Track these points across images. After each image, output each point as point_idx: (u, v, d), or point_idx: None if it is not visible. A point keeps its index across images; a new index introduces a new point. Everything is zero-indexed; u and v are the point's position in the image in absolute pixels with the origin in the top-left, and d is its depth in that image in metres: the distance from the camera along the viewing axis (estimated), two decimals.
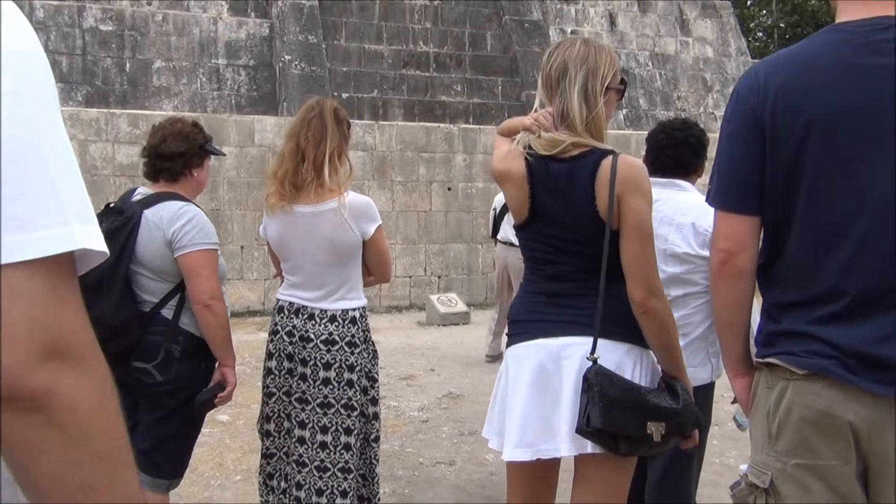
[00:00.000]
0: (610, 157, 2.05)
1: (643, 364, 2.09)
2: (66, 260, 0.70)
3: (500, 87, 12.60)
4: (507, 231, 7.10)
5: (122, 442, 0.75)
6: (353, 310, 2.96)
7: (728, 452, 4.69)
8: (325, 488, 2.86)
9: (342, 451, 2.88)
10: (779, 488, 1.66)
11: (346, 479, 2.87)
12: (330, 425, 2.87)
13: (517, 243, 7.52)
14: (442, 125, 10.95)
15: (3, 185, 0.66)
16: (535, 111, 2.20)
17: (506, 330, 7.07)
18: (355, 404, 2.90)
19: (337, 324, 2.91)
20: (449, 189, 10.70)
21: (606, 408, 1.93)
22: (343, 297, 2.94)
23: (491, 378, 6.57)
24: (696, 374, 2.67)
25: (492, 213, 7.58)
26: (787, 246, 1.67)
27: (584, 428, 1.97)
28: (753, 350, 1.83)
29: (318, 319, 2.90)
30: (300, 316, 2.92)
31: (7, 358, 0.66)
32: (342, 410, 2.88)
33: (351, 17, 12.11)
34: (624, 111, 13.36)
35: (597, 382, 1.96)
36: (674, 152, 2.80)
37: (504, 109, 12.42)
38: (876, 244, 1.54)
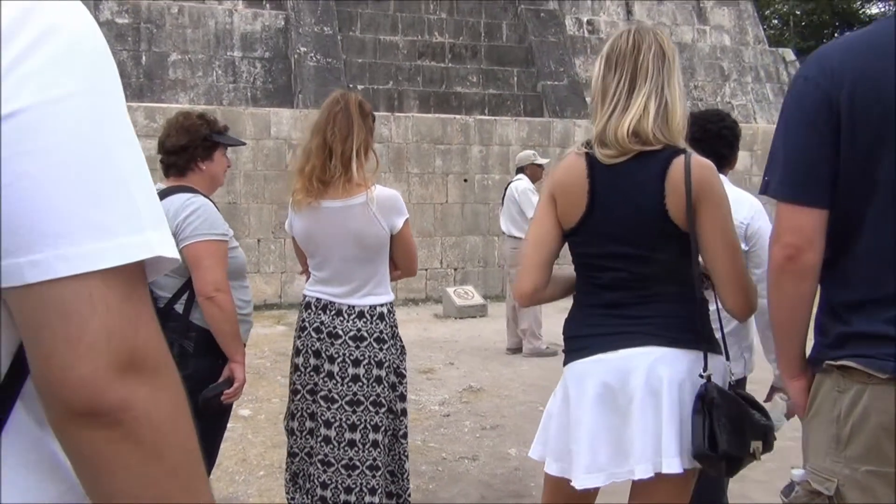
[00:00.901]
0: (682, 157, 1.97)
1: (717, 372, 2.01)
2: (139, 267, 0.68)
3: (515, 78, 12.51)
4: (502, 221, 7.51)
5: (197, 454, 0.72)
6: (381, 305, 2.92)
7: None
8: (353, 486, 2.82)
9: (370, 449, 2.84)
10: (846, 496, 1.59)
11: (374, 476, 2.84)
12: (359, 422, 2.83)
13: (507, 232, 7.59)
14: (458, 116, 10.89)
15: (80, 190, 0.64)
16: (600, 105, 2.05)
17: (521, 326, 7.08)
18: (383, 401, 2.87)
19: (365, 320, 2.87)
20: (465, 181, 10.65)
21: (731, 430, 1.87)
22: (371, 293, 2.90)
23: (511, 370, 6.60)
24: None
25: (500, 207, 7.75)
26: (859, 240, 1.60)
27: (708, 452, 1.88)
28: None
29: (346, 315, 2.86)
30: (328, 312, 2.88)
31: (87, 371, 0.64)
32: (371, 408, 2.84)
33: (366, 9, 12.05)
34: None
35: (720, 403, 1.89)
36: (708, 145, 2.72)
37: (520, 100, 12.34)
38: None
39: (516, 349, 7.36)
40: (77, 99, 0.65)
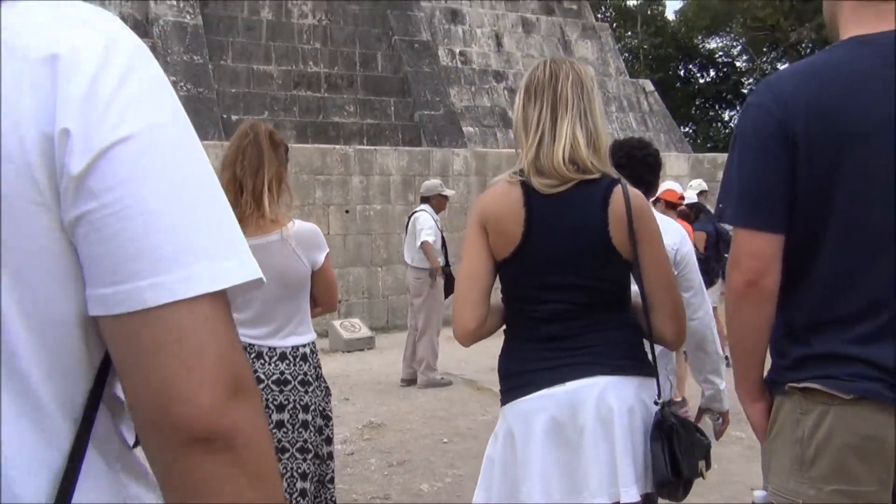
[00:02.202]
0: (619, 186, 1.98)
1: (653, 394, 2.02)
2: (227, 290, 0.68)
3: (392, 108, 12.53)
4: (405, 252, 7.38)
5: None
6: (304, 346, 2.77)
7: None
8: None
9: (298, 499, 2.68)
10: None
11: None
12: (285, 472, 2.66)
13: (410, 262, 7.52)
14: (337, 147, 10.76)
15: (188, 215, 0.65)
16: (524, 137, 2.02)
17: (418, 356, 6.99)
18: (310, 446, 2.71)
19: (288, 362, 2.71)
20: (347, 212, 10.51)
21: (691, 455, 1.86)
22: (293, 332, 2.76)
23: (408, 403, 6.49)
24: None
25: (403, 234, 7.62)
26: (817, 263, 1.63)
27: (672, 479, 1.87)
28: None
29: (266, 358, 2.70)
30: (247, 355, 2.70)
31: (208, 399, 0.64)
32: (297, 455, 2.68)
33: (237, 37, 11.75)
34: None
35: (679, 430, 1.89)
36: (633, 172, 2.77)
37: (398, 130, 12.36)
38: None
39: (411, 380, 7.26)
40: (170, 128, 0.67)
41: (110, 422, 0.74)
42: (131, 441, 0.77)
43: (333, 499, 2.87)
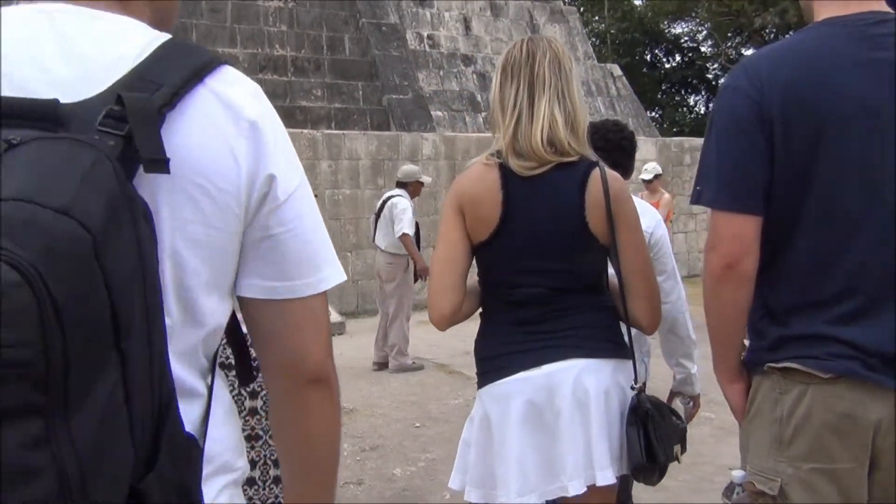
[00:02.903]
0: (597, 169, 1.96)
1: (630, 377, 2.01)
2: None
3: (360, 92, 12.42)
4: (378, 236, 7.25)
5: None
6: None
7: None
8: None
9: (271, 486, 2.64)
10: (790, 494, 1.61)
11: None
12: (258, 459, 2.62)
13: (384, 247, 7.43)
14: (305, 131, 10.65)
15: (319, 234, 1.01)
16: (501, 117, 2.00)
17: (389, 342, 6.96)
18: (260, 432, 2.67)
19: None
20: (315, 196, 10.34)
21: (667, 440, 1.86)
22: None
23: (380, 388, 6.47)
24: None
25: (372, 217, 7.52)
26: (794, 246, 1.63)
27: (647, 464, 1.87)
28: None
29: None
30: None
31: (322, 355, 0.99)
32: (270, 442, 2.64)
33: (201, 19, 11.54)
34: (483, 114, 13.54)
35: (654, 415, 1.89)
36: (608, 155, 2.75)
37: (366, 114, 12.26)
38: (891, 240, 1.53)
39: (382, 364, 7.24)
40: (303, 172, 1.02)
41: (221, 348, 1.07)
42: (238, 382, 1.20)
43: None
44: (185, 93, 0.87)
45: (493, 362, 2.01)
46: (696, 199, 1.73)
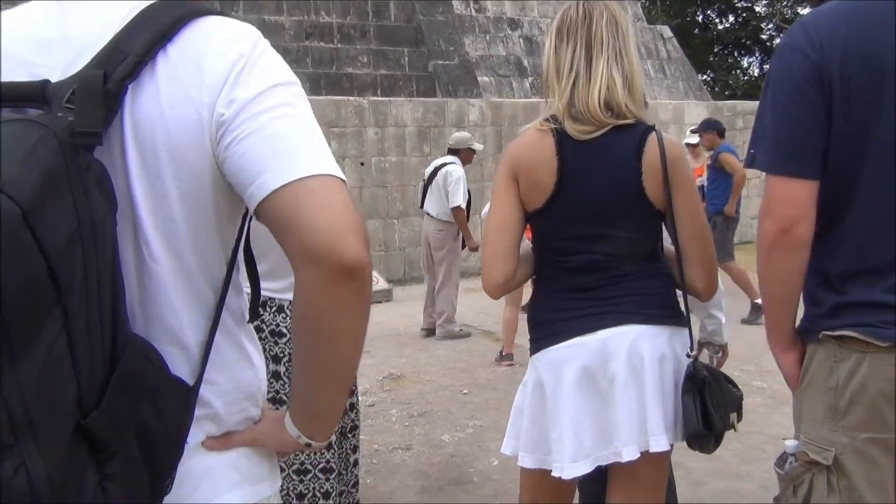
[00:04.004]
0: (654, 133, 1.93)
1: (685, 345, 1.98)
2: (342, 183, 1.01)
3: (406, 58, 12.35)
4: (428, 203, 7.18)
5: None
6: None
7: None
8: (306, 492, 2.66)
9: (323, 451, 2.68)
10: (844, 464, 1.58)
11: (328, 479, 2.68)
12: None
13: (434, 215, 7.42)
14: (351, 98, 10.64)
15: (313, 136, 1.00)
16: (556, 79, 1.97)
17: (437, 309, 6.99)
18: None
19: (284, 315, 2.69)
20: (362, 164, 10.44)
21: (723, 407, 1.86)
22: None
23: (427, 355, 6.51)
24: None
25: (421, 183, 7.50)
26: (852, 210, 1.58)
27: (703, 432, 1.87)
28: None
29: (287, 312, 2.67)
30: (268, 309, 2.68)
31: (354, 242, 0.92)
32: None
33: None
34: (530, 79, 13.37)
35: (711, 383, 1.89)
36: None
37: (412, 80, 12.20)
38: None
39: (430, 330, 7.28)
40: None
41: (235, 295, 1.08)
42: (247, 318, 1.12)
43: (356, 446, 2.88)
44: (149, 59, 0.94)
45: (548, 328, 2.00)
46: (750, 162, 1.69)
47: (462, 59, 12.54)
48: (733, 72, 30.66)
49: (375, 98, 10.98)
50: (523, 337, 6.12)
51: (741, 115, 13.77)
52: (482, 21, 13.47)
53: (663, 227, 2.04)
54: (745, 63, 31.77)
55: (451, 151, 7.29)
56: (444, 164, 7.14)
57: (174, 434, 0.96)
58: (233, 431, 1.08)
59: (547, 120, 1.97)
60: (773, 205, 1.61)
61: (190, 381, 1.00)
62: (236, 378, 1.07)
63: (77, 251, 0.83)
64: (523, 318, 6.25)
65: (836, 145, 1.57)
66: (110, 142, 0.94)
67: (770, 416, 4.60)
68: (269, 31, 11.37)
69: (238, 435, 1.08)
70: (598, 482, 2.60)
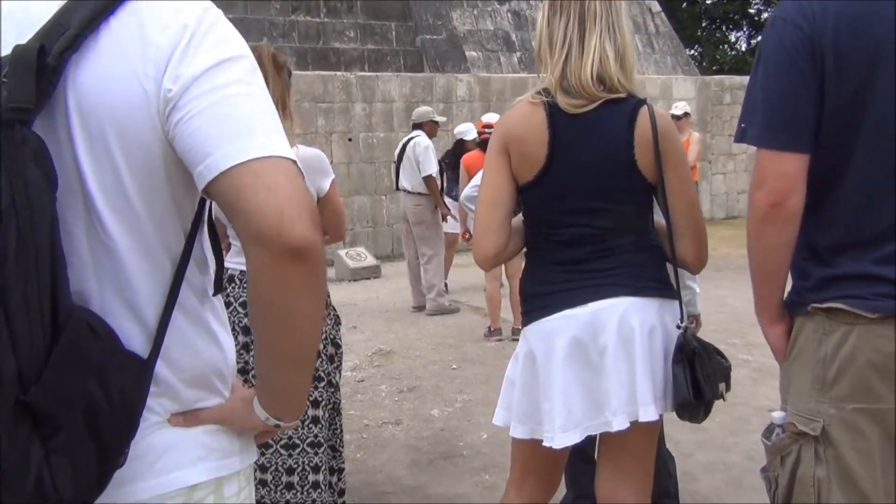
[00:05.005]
0: (646, 107, 1.93)
1: (675, 317, 1.99)
2: (295, 166, 1.00)
3: (393, 33, 12.24)
4: (402, 178, 7.25)
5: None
6: None
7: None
8: (295, 466, 2.67)
9: (310, 426, 2.69)
10: (832, 435, 1.60)
11: (316, 453, 2.69)
12: None
13: (410, 189, 7.48)
14: (338, 73, 10.57)
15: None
16: (547, 51, 1.96)
17: (426, 284, 7.01)
18: (322, 374, 2.71)
19: None
20: (349, 140, 10.38)
21: (712, 378, 1.86)
22: None
23: (416, 330, 6.52)
24: None
25: (393, 164, 7.57)
26: (843, 183, 1.58)
27: (693, 401, 1.88)
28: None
29: None
30: (237, 282, 2.66)
31: (302, 223, 0.92)
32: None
33: None
34: (518, 54, 13.29)
35: (701, 353, 1.89)
36: None
37: (399, 55, 12.10)
38: None
39: (422, 307, 7.29)
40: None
41: (197, 270, 1.07)
42: (212, 293, 1.10)
43: (341, 425, 2.89)
44: (90, 31, 0.93)
45: (539, 301, 2.01)
46: (741, 136, 1.68)
47: (450, 34, 12.45)
48: (721, 46, 30.59)
49: (363, 73, 10.90)
50: (507, 311, 6.19)
51: (729, 89, 13.76)
52: None
53: (654, 201, 2.04)
54: (732, 38, 31.70)
55: (416, 126, 7.41)
56: (411, 139, 7.25)
57: (125, 409, 0.95)
58: (200, 409, 1.07)
59: (539, 93, 1.96)
60: (765, 178, 1.61)
61: (145, 355, 0.99)
62: (197, 354, 1.06)
63: (11, 226, 0.84)
64: (506, 294, 6.27)
65: (827, 118, 1.56)
66: (54, 116, 0.93)
67: (756, 389, 4.64)
68: (256, 5, 11.25)
69: (205, 412, 1.08)
70: (587, 462, 2.63)
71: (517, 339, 6.49)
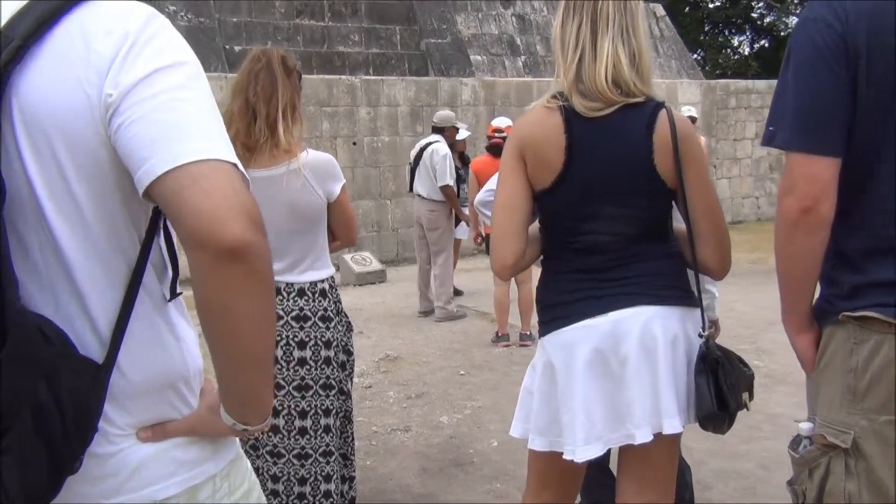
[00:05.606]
0: (664, 111, 1.89)
1: (697, 325, 1.95)
2: (236, 170, 0.99)
3: (398, 36, 12.22)
4: (417, 184, 7.14)
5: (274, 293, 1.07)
6: (322, 281, 2.71)
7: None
8: (307, 476, 2.63)
9: (322, 435, 2.65)
10: (863, 447, 1.56)
11: (328, 462, 2.66)
12: (309, 409, 2.63)
13: (426, 195, 7.43)
14: (343, 77, 10.54)
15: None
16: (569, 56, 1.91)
17: (436, 291, 6.99)
18: (333, 382, 2.68)
19: (307, 298, 2.65)
20: (354, 144, 10.35)
21: (736, 387, 1.82)
22: (310, 268, 2.69)
23: (422, 336, 6.48)
24: None
25: (408, 165, 7.46)
26: (873, 187, 1.54)
27: (717, 412, 1.84)
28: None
29: (285, 294, 2.63)
30: (285, 294, 2.63)
31: (236, 223, 0.92)
32: (321, 391, 2.64)
33: None
34: (522, 58, 13.26)
35: (724, 362, 1.85)
36: None
37: (404, 59, 12.08)
38: None
39: (428, 312, 7.25)
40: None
41: (155, 276, 1.07)
42: (168, 298, 1.09)
43: (353, 434, 2.86)
44: (32, 42, 0.95)
45: (557, 310, 1.96)
46: (769, 140, 1.64)
47: (454, 38, 12.43)
48: (724, 51, 30.56)
49: (367, 77, 10.88)
50: (515, 317, 6.14)
51: (734, 94, 13.72)
52: None
53: (673, 206, 2.01)
54: (735, 42, 31.66)
55: (436, 130, 7.28)
56: (430, 144, 7.12)
57: (76, 413, 0.95)
58: (166, 422, 1.07)
59: (554, 97, 1.93)
60: (795, 183, 1.57)
61: (100, 360, 0.99)
62: (155, 361, 1.06)
63: None
64: (514, 299, 6.21)
65: (859, 120, 1.53)
66: (0, 126, 0.95)
67: (768, 396, 4.59)
68: (260, 9, 11.23)
69: (172, 425, 1.08)
70: (602, 472, 2.58)
71: (525, 345, 6.48)
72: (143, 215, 1.05)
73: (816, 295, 1.72)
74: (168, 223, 1.09)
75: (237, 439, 1.20)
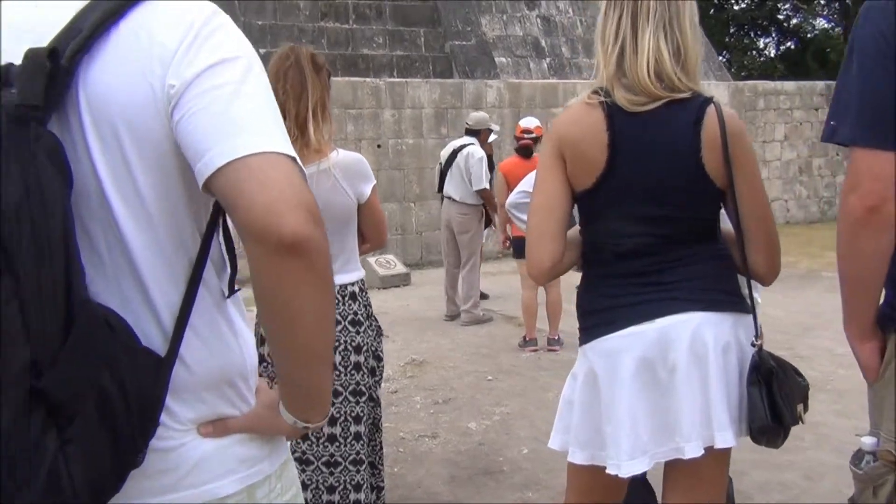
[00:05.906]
0: (713, 106, 1.79)
1: (750, 333, 1.85)
2: (295, 163, 1.00)
3: (422, 39, 12.17)
4: (449, 186, 7.00)
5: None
6: (352, 284, 2.64)
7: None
8: (336, 484, 2.56)
9: (353, 443, 2.57)
10: None
11: (358, 471, 2.58)
12: (338, 416, 2.55)
13: (458, 199, 7.30)
14: (368, 80, 10.49)
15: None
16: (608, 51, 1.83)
17: (464, 294, 6.90)
18: (363, 388, 2.60)
19: (336, 301, 2.58)
20: (379, 146, 10.30)
21: (791, 399, 1.72)
22: (340, 271, 2.61)
23: (448, 340, 6.40)
24: None
25: (438, 167, 7.35)
26: None
27: (772, 425, 1.74)
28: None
29: (360, 299, 2.57)
30: (339, 298, 2.57)
31: (294, 217, 0.92)
32: (350, 398, 2.57)
33: None
34: (547, 60, 13.16)
35: (779, 373, 1.75)
36: None
37: (428, 61, 12.03)
38: None
39: (455, 316, 7.17)
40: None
41: (213, 272, 1.06)
42: (226, 295, 1.09)
43: (382, 442, 2.78)
44: (99, 34, 0.96)
45: (600, 317, 1.86)
46: (830, 136, 1.54)
47: (479, 40, 12.35)
48: (749, 52, 30.26)
49: (392, 79, 10.83)
50: (543, 321, 6.03)
51: (762, 95, 13.52)
52: (499, 0, 13.26)
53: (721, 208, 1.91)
54: (760, 44, 31.33)
55: (470, 132, 7.11)
56: (464, 146, 6.96)
57: (140, 404, 0.95)
58: (227, 418, 1.07)
59: (595, 92, 1.84)
60: (860, 180, 1.47)
61: (162, 353, 1.00)
62: (215, 356, 1.05)
63: (25, 218, 0.86)
64: (541, 302, 6.10)
65: None
66: (68, 117, 0.96)
67: (810, 405, 4.45)
68: (285, 11, 11.23)
69: (233, 422, 1.08)
70: (641, 485, 2.48)
71: (553, 350, 6.37)
72: (203, 211, 1.05)
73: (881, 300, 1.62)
74: (227, 220, 1.08)
75: (288, 442, 1.19)
